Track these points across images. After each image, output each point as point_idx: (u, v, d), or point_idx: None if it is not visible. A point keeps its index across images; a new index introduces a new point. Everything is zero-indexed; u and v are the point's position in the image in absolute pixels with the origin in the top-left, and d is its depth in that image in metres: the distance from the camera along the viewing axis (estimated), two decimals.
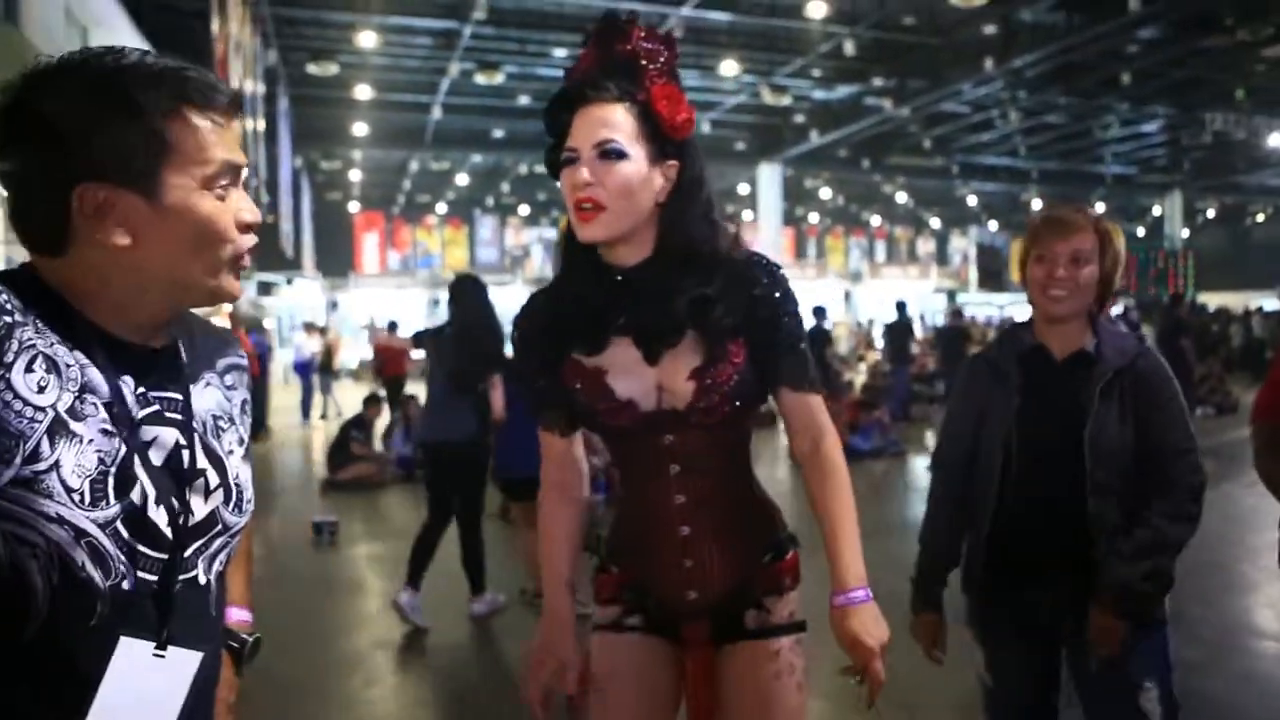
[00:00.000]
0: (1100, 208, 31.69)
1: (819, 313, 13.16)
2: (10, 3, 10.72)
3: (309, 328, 15.22)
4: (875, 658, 1.36)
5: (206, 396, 1.09)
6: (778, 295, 1.43)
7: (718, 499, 1.49)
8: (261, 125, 20.28)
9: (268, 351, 12.64)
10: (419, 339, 5.17)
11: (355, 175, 29.41)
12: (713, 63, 17.45)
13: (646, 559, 1.52)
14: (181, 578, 0.99)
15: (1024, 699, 2.00)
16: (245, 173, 1.02)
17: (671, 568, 1.49)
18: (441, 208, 32.62)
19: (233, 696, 1.33)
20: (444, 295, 5.04)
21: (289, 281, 25.18)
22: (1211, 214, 31.40)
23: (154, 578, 0.96)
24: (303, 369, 13.84)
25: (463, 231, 33.04)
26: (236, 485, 1.08)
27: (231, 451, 1.09)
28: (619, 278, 1.43)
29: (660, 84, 1.38)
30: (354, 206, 33.06)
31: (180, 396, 1.04)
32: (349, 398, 13.87)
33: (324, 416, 13.59)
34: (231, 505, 1.07)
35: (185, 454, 1.01)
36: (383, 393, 10.82)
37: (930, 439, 10.29)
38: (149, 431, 0.99)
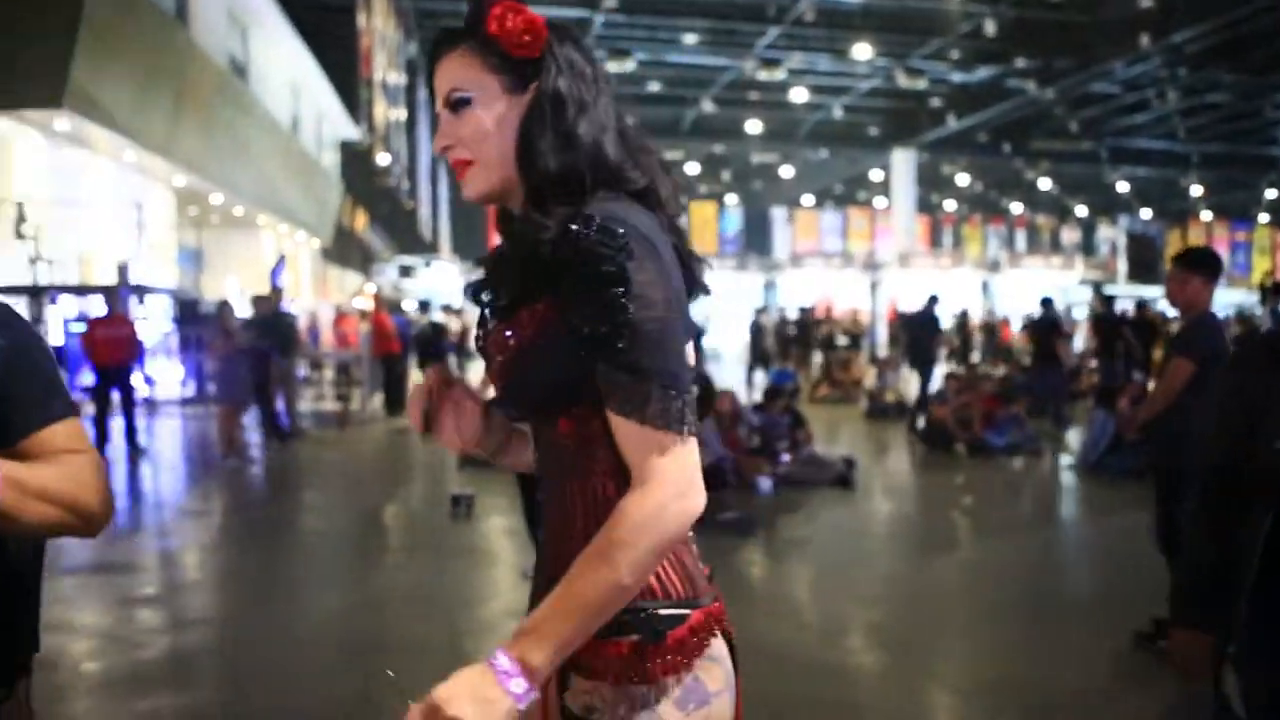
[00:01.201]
0: (1271, 194, 29.53)
1: (1046, 303, 11.35)
2: (181, 4, 11.56)
3: (446, 310, 15.82)
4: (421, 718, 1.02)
5: None
6: (590, 260, 1.04)
7: (562, 510, 1.17)
8: (403, 115, 21.10)
9: (409, 329, 13.18)
10: None
11: None
12: (845, 46, 17.12)
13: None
14: None
15: None
16: None
17: (533, 577, 1.27)
18: None
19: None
20: None
21: (427, 264, 26.21)
22: None
23: None
24: (442, 349, 14.41)
25: None
26: None
27: None
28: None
29: (497, 3, 1.16)
30: None
31: None
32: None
33: None
34: None
35: None
36: None
37: (1073, 437, 9.85)
38: None
